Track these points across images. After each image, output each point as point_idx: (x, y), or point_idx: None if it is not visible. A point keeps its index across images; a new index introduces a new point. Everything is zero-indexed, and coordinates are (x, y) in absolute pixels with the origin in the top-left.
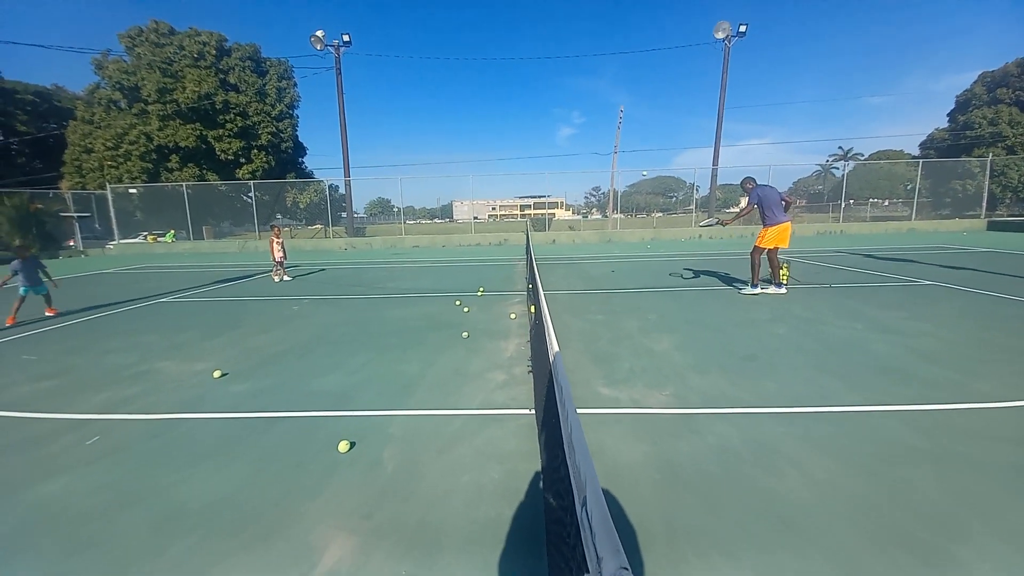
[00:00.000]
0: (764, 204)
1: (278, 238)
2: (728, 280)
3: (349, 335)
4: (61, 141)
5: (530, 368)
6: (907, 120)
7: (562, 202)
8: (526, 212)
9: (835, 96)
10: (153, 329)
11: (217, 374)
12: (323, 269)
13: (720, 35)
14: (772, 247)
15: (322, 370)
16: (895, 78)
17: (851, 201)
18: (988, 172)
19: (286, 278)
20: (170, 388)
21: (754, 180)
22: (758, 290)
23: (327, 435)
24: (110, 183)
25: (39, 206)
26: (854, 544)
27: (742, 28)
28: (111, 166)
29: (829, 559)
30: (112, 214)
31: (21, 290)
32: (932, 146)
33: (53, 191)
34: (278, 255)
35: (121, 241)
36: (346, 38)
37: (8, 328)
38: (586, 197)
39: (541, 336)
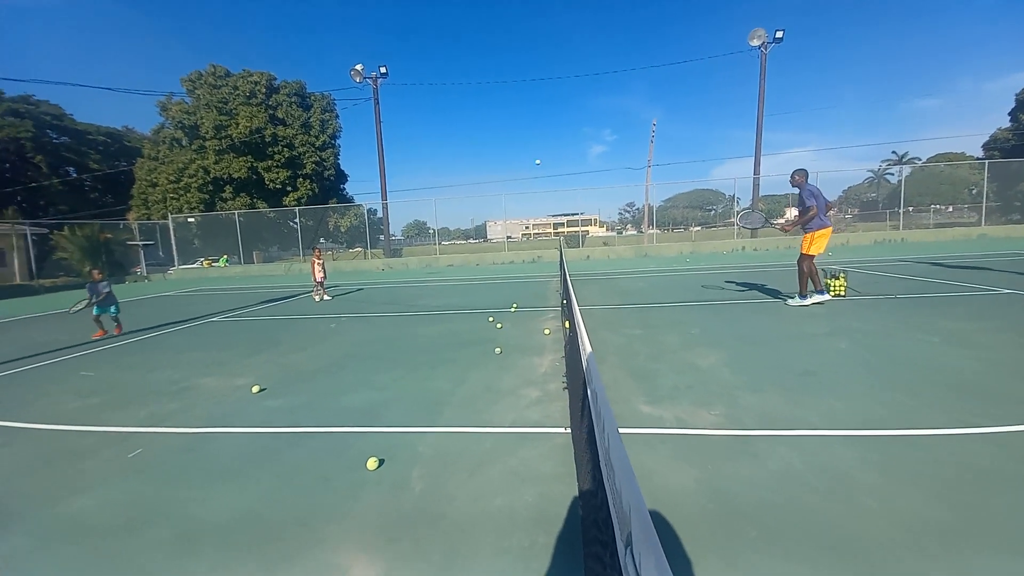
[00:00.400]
0: (817, 202)
1: (319, 259)
2: (775, 293)
3: (381, 352)
4: (130, 177)
5: (565, 384)
6: (961, 122)
7: (596, 219)
8: (560, 230)
9: (882, 99)
10: (199, 347)
11: (256, 389)
12: (360, 289)
13: (755, 42)
14: (817, 254)
15: (353, 387)
16: (946, 79)
17: (910, 208)
18: None
19: (326, 298)
20: (209, 403)
21: (805, 172)
22: (808, 301)
23: (356, 452)
24: (171, 214)
25: (108, 236)
26: None
27: (779, 34)
28: (172, 198)
29: None
30: (173, 242)
31: (94, 311)
32: (996, 147)
33: (122, 222)
34: (319, 275)
35: (180, 267)
36: (383, 70)
37: (77, 345)
38: (620, 213)
39: (576, 350)
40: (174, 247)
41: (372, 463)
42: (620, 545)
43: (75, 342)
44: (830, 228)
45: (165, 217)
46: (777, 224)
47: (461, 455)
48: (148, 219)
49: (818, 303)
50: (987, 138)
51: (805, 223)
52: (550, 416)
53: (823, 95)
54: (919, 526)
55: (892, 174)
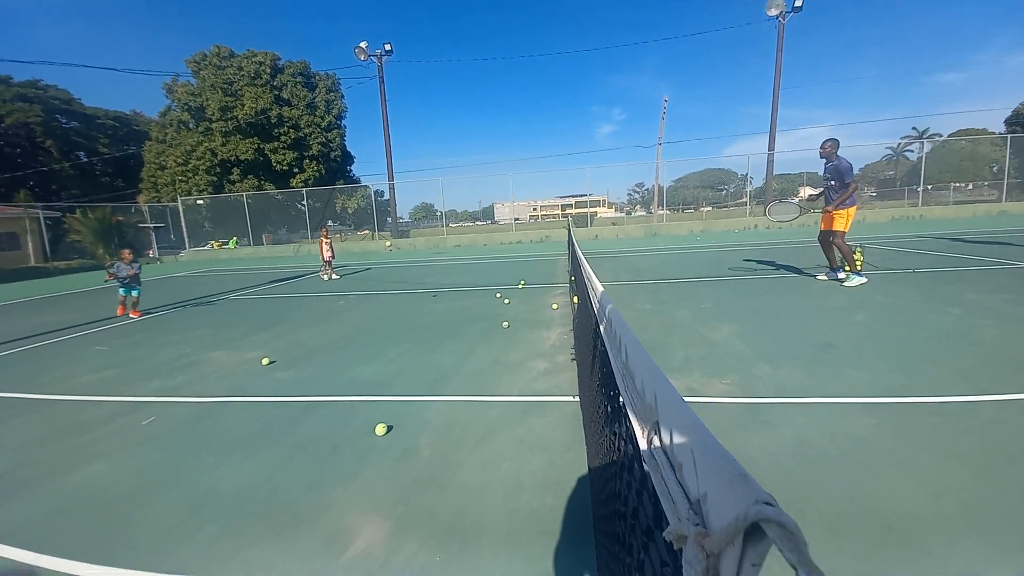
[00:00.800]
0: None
1: (326, 238)
2: (790, 268)
3: (389, 328)
4: (139, 160)
5: (573, 356)
6: (983, 96)
7: (604, 200)
8: (568, 211)
9: (902, 73)
10: (209, 324)
11: (265, 361)
12: (368, 268)
13: (773, 12)
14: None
15: (361, 360)
16: (967, 53)
17: (928, 187)
18: None
19: (335, 277)
20: (220, 376)
21: (837, 142)
22: (863, 278)
23: (364, 420)
24: (180, 196)
25: (120, 219)
26: (973, 552)
27: (798, 3)
28: (181, 180)
29: (944, 569)
30: (183, 224)
31: (120, 291)
32: (1019, 122)
33: (133, 205)
34: (327, 255)
35: (191, 249)
36: (387, 47)
37: (92, 322)
38: (629, 194)
39: (585, 324)
40: (184, 229)
41: (380, 429)
42: (643, 442)
43: (89, 319)
44: (857, 205)
45: (175, 200)
46: (826, 209)
47: (469, 423)
48: (158, 202)
49: (848, 282)
50: (1009, 113)
51: (847, 198)
52: (558, 386)
53: (841, 69)
54: (941, 491)
55: (912, 151)
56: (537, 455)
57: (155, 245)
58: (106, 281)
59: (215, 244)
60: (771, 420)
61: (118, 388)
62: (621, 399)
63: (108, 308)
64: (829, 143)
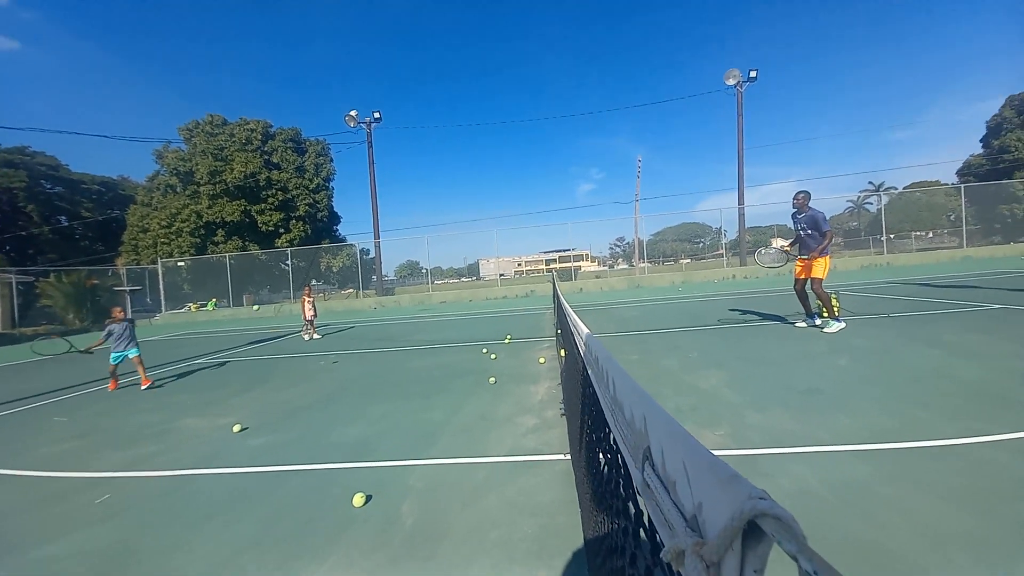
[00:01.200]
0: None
1: (309, 297)
2: (771, 316)
3: (372, 386)
4: (122, 224)
5: (563, 411)
6: (935, 151)
7: (587, 254)
8: (552, 266)
9: (857, 131)
10: (181, 390)
11: (237, 428)
12: (352, 327)
13: (731, 82)
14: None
15: (343, 421)
16: (917, 111)
17: (891, 236)
18: None
19: (316, 336)
20: (190, 445)
21: (809, 194)
22: (842, 323)
23: (342, 488)
24: (161, 259)
25: (95, 282)
26: None
27: (752, 74)
28: (164, 242)
29: None
30: (161, 287)
31: (111, 358)
32: (970, 172)
33: (110, 268)
34: (308, 314)
35: (167, 312)
36: (376, 115)
37: (54, 391)
38: (611, 248)
39: (573, 376)
40: (162, 292)
41: (359, 499)
42: (634, 471)
43: (53, 388)
44: (829, 254)
45: (155, 262)
46: (809, 256)
47: (455, 486)
48: (137, 264)
49: (819, 327)
50: (960, 164)
51: (827, 245)
52: (548, 443)
53: (800, 129)
54: (944, 536)
55: (871, 203)
56: (528, 520)
57: (129, 309)
58: (80, 352)
59: (193, 306)
60: (768, 472)
61: (79, 462)
62: (612, 437)
63: (74, 375)
64: (802, 195)
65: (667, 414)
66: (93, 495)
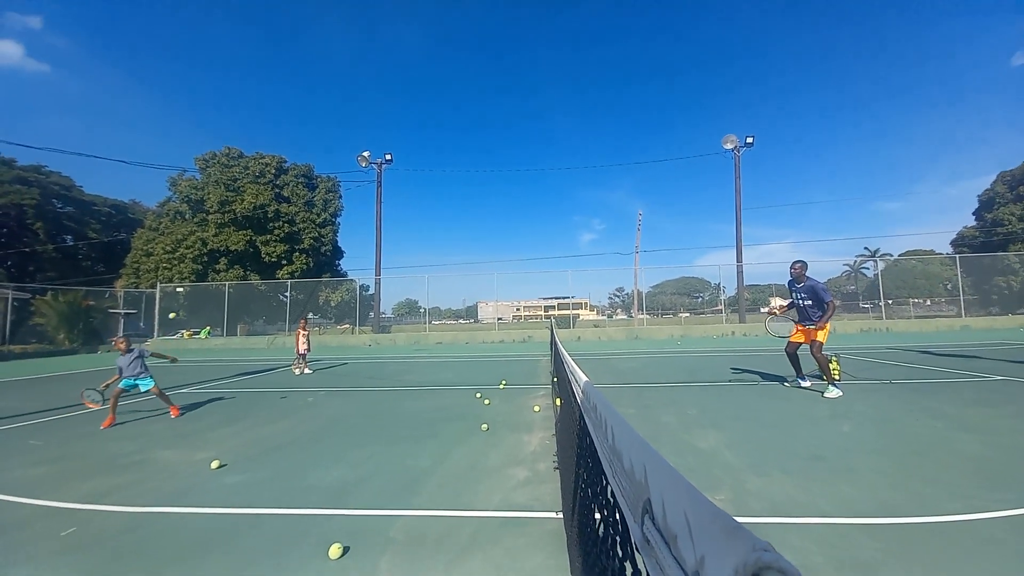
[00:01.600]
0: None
1: (304, 330)
2: (770, 376)
3: (359, 426)
4: (126, 247)
5: (556, 464)
6: (926, 222)
7: (586, 303)
8: (550, 312)
9: (850, 201)
10: (162, 419)
11: (215, 465)
12: (344, 363)
13: (728, 146)
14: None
15: (324, 463)
16: (908, 183)
17: (889, 301)
18: None
19: (307, 371)
20: (162, 478)
21: (805, 264)
22: (839, 390)
23: (318, 537)
24: (161, 283)
25: (91, 303)
26: None
27: (749, 140)
28: (166, 267)
29: None
30: (156, 312)
31: (122, 383)
32: (964, 243)
33: (108, 290)
34: (302, 347)
35: (159, 338)
36: (388, 157)
37: (33, 413)
38: (610, 298)
39: (569, 427)
40: (156, 317)
41: (335, 551)
42: (634, 525)
43: (34, 409)
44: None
45: (155, 286)
46: (812, 326)
47: (439, 542)
48: (136, 287)
49: (815, 389)
50: (954, 235)
51: (831, 316)
52: (539, 499)
53: (796, 194)
54: None
55: (868, 268)
56: None
57: (122, 332)
58: (104, 398)
59: (186, 333)
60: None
61: (47, 489)
62: (610, 489)
63: (58, 397)
64: (799, 264)
65: (668, 464)
66: (56, 524)
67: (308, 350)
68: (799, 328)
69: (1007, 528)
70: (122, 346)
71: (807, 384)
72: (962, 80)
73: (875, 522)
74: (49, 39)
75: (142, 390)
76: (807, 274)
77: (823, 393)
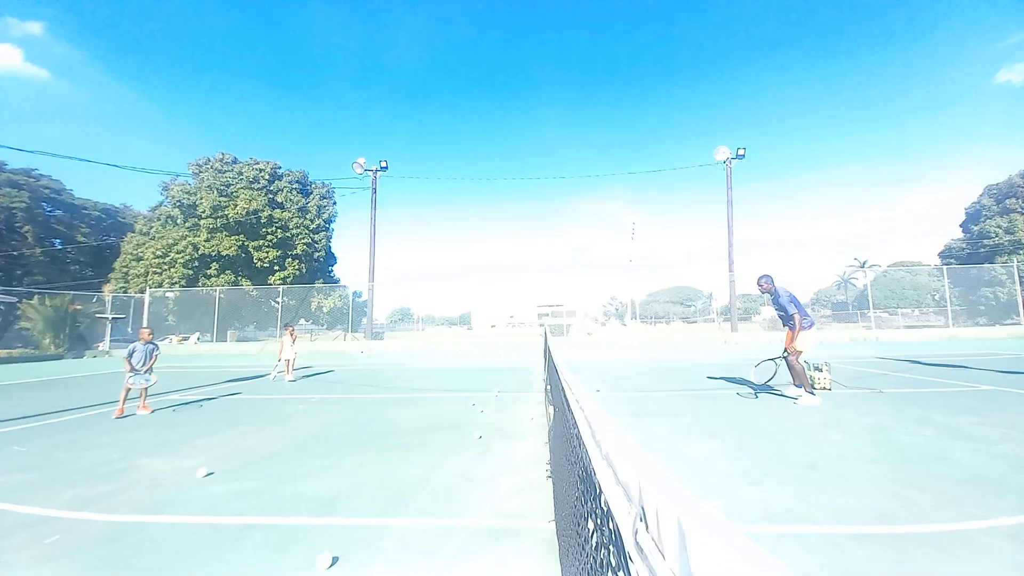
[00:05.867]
0: (796, 305)
1: (292, 336)
2: (763, 385)
3: (350, 435)
4: (116, 251)
5: (548, 472)
6: (913, 233)
7: (579, 311)
8: (543, 320)
9: (839, 209)
10: (147, 425)
11: (202, 473)
12: (332, 370)
13: (720, 157)
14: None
15: (313, 472)
16: (895, 195)
17: (878, 311)
18: (1017, 279)
19: (289, 378)
20: (146, 487)
21: (770, 278)
22: (816, 398)
23: (307, 547)
24: (150, 288)
25: (78, 307)
26: None
27: (740, 151)
28: (155, 272)
29: None
30: (145, 317)
31: (130, 378)
32: (951, 255)
33: (96, 295)
34: (287, 353)
35: None
36: (383, 163)
37: (14, 419)
38: (604, 306)
39: (562, 435)
40: (145, 322)
41: (323, 562)
42: (630, 536)
43: (19, 415)
44: (815, 327)
45: (143, 291)
46: (791, 348)
47: (429, 552)
48: (125, 292)
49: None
50: (942, 247)
51: (799, 329)
52: (531, 507)
53: (787, 204)
54: None
55: (857, 278)
56: None
57: (108, 337)
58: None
59: (175, 339)
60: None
61: (29, 496)
62: (603, 498)
63: (42, 403)
64: (764, 280)
65: (662, 472)
66: (39, 532)
67: (294, 356)
68: (790, 335)
69: (999, 536)
70: (146, 335)
71: (792, 394)
72: (949, 94)
73: (868, 530)
74: (45, 44)
75: (144, 383)
76: (776, 286)
77: (795, 400)
